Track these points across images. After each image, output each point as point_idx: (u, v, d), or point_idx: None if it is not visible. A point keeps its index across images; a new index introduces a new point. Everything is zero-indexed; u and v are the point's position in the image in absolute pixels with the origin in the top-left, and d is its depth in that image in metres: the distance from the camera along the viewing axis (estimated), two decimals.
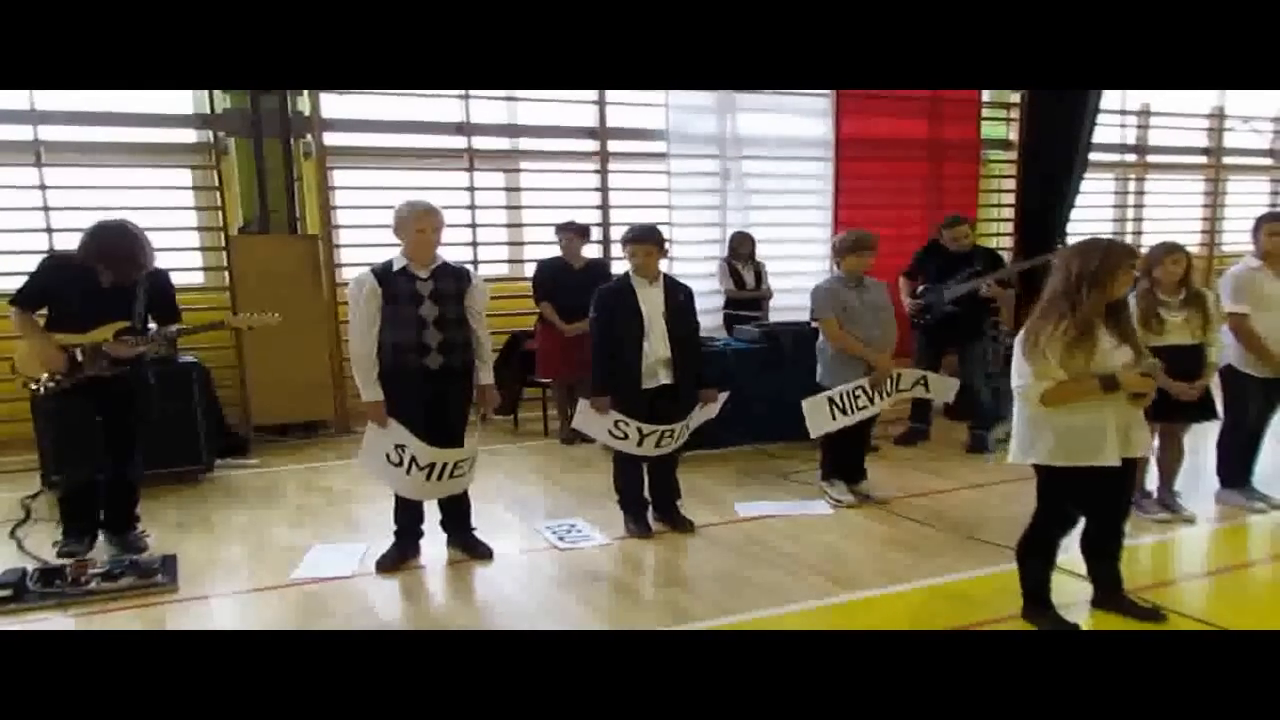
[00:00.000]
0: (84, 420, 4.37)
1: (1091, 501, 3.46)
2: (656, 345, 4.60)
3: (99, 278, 4.28)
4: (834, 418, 4.99)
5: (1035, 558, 3.55)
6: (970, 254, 6.41)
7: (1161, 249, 4.44)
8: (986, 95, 9.18)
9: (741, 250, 7.54)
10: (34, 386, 4.32)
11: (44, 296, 4.34)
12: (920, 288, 6.48)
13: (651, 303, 4.62)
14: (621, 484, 4.86)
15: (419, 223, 4.09)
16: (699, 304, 7.78)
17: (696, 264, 8.09)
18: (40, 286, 4.33)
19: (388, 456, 4.15)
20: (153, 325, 4.49)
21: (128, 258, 4.25)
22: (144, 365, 4.52)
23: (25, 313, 4.29)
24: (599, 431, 4.67)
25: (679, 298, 4.72)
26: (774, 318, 7.36)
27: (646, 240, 4.61)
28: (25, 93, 6.40)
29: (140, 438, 4.58)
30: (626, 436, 4.61)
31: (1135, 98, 10.37)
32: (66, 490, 4.51)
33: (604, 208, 8.03)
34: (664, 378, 4.64)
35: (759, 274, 7.62)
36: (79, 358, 4.27)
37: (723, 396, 4.88)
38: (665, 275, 4.72)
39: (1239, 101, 10.82)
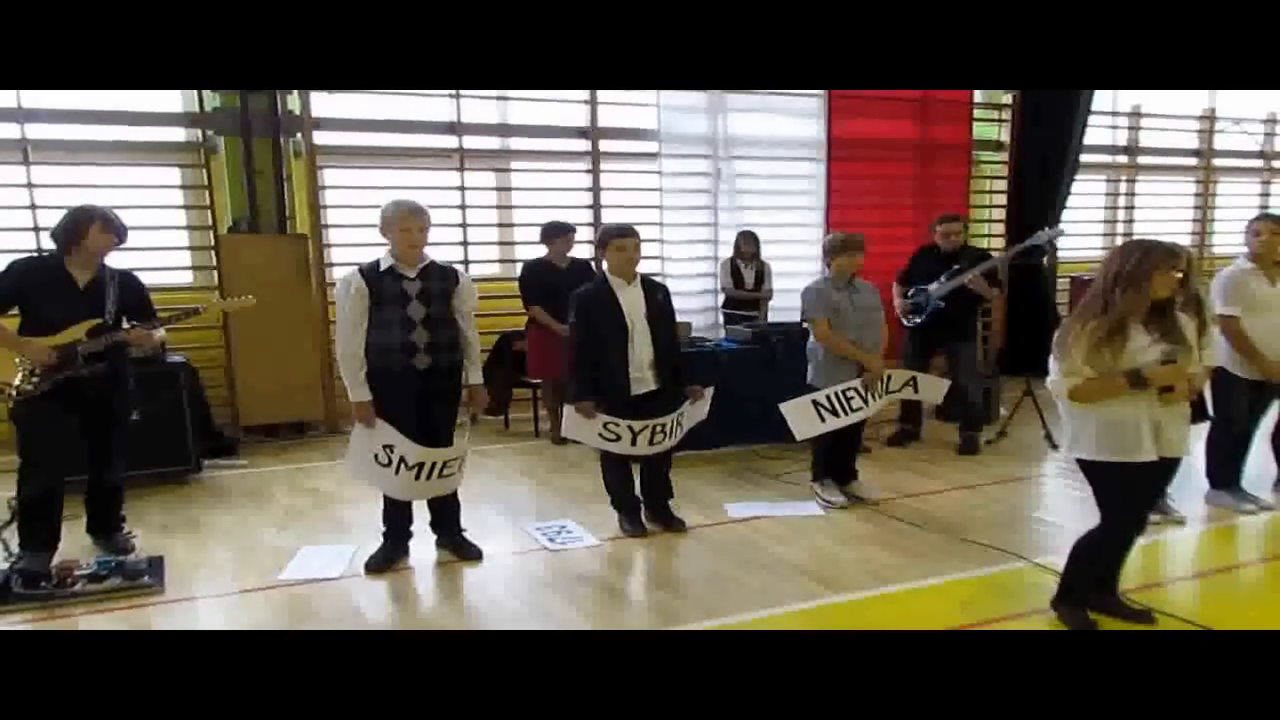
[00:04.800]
0: (53, 427, 4.20)
1: (1122, 498, 3.41)
2: (640, 347, 4.58)
3: (74, 278, 4.22)
4: (823, 419, 4.97)
5: (1097, 559, 3.51)
6: (959, 253, 6.43)
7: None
8: (978, 96, 9.19)
9: (745, 249, 7.53)
10: (10, 391, 4.16)
11: (14, 299, 4.20)
12: (911, 290, 6.49)
13: (632, 303, 4.60)
14: (611, 483, 4.84)
15: (404, 222, 4.08)
16: (691, 304, 7.87)
17: (687, 264, 8.09)
18: (9, 289, 4.19)
19: (376, 457, 4.13)
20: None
21: (78, 229, 4.14)
22: (124, 365, 4.44)
23: None
24: (589, 436, 4.63)
25: (658, 297, 4.70)
26: (771, 319, 7.36)
27: (633, 234, 4.60)
28: (12, 91, 6.35)
29: (119, 440, 4.50)
30: (619, 438, 4.59)
31: (1126, 99, 10.40)
32: (28, 498, 4.25)
33: (595, 208, 8.02)
34: (649, 378, 4.62)
35: (760, 274, 7.61)
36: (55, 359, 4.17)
37: (708, 392, 4.86)
38: (641, 275, 4.69)
39: (1229, 103, 10.86)
